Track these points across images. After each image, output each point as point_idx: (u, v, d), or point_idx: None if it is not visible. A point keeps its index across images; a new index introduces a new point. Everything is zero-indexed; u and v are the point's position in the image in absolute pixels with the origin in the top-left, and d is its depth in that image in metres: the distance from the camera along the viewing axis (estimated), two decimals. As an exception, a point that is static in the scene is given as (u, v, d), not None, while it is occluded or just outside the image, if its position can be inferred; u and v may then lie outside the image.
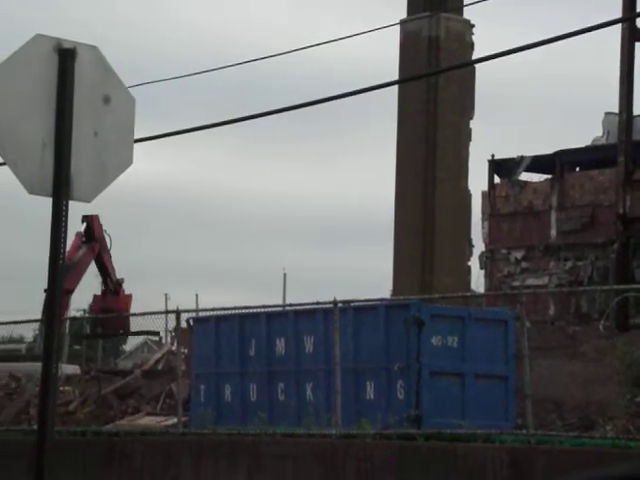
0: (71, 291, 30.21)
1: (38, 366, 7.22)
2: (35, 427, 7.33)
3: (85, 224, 30.84)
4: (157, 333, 28.91)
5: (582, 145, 37.79)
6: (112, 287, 31.23)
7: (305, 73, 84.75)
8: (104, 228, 31.23)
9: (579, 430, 16.64)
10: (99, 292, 31.79)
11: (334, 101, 13.89)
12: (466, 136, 25.68)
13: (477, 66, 25.09)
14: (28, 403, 22.49)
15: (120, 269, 31.74)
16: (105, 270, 31.61)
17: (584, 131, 72.35)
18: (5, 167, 6.88)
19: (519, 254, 37.45)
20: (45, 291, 6.57)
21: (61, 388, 21.82)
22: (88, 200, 6.94)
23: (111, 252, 31.30)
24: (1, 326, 25.09)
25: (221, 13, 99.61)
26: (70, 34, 6.89)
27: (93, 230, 30.64)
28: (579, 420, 17.77)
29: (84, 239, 30.89)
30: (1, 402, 23.24)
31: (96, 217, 30.82)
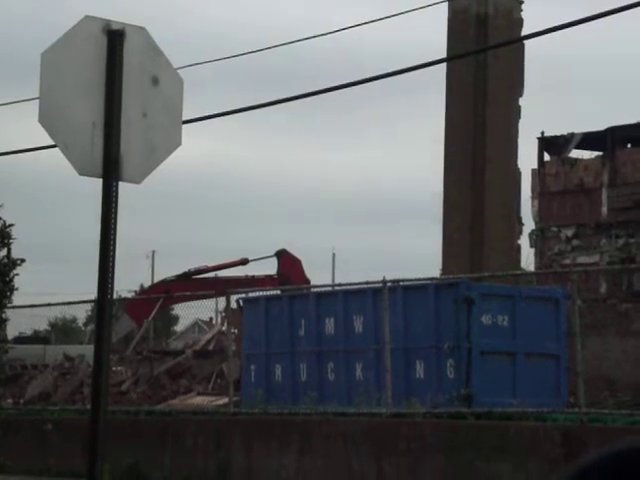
0: (167, 294, 27.45)
1: (91, 347, 7.29)
2: (89, 407, 7.40)
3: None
4: None
5: (634, 121, 37.37)
6: None
7: (342, 56, 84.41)
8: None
9: (631, 408, 16.52)
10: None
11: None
12: (515, 113, 25.48)
13: (526, 43, 24.88)
14: (82, 383, 22.73)
15: (173, 250, 30.79)
16: None
17: (636, 107, 71.60)
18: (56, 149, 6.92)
19: (570, 232, 37.15)
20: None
21: (114, 368, 22.01)
22: (137, 181, 6.95)
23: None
24: (56, 307, 25.24)
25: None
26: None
27: (281, 266, 28.09)
28: (632, 398, 17.64)
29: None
30: (56, 382, 23.50)
31: (291, 258, 27.94)
